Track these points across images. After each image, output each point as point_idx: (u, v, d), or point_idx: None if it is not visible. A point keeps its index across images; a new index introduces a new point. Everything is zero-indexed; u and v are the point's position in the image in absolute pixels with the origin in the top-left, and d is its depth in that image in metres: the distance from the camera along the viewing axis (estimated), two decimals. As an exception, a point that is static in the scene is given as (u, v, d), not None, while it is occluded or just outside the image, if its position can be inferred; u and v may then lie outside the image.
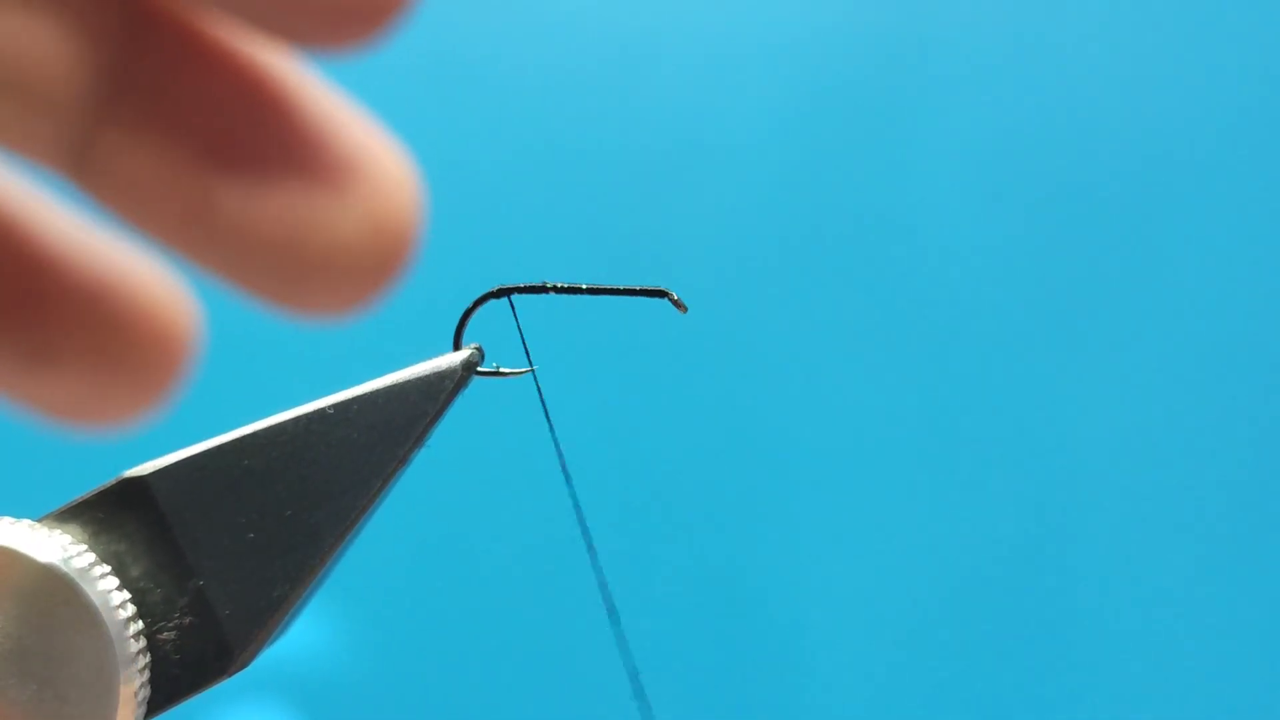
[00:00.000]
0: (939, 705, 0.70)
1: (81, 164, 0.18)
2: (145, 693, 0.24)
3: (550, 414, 0.31)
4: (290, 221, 0.18)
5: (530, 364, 0.29)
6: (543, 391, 0.30)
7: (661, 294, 0.29)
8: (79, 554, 0.23)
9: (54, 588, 0.23)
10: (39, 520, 0.24)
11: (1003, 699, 0.71)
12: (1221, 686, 0.70)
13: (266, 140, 0.18)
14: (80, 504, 0.24)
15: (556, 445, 0.31)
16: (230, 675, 0.25)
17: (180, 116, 0.18)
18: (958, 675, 0.70)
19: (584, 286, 0.30)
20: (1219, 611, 0.71)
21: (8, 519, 0.24)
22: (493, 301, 0.30)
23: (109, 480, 0.25)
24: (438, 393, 0.26)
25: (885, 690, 0.70)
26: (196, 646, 0.25)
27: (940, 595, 0.71)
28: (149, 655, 0.24)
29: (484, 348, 0.29)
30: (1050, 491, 0.72)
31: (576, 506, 0.31)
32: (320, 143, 0.18)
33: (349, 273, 0.19)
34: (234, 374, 0.59)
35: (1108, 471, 0.72)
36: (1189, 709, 0.71)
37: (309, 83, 0.19)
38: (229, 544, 0.25)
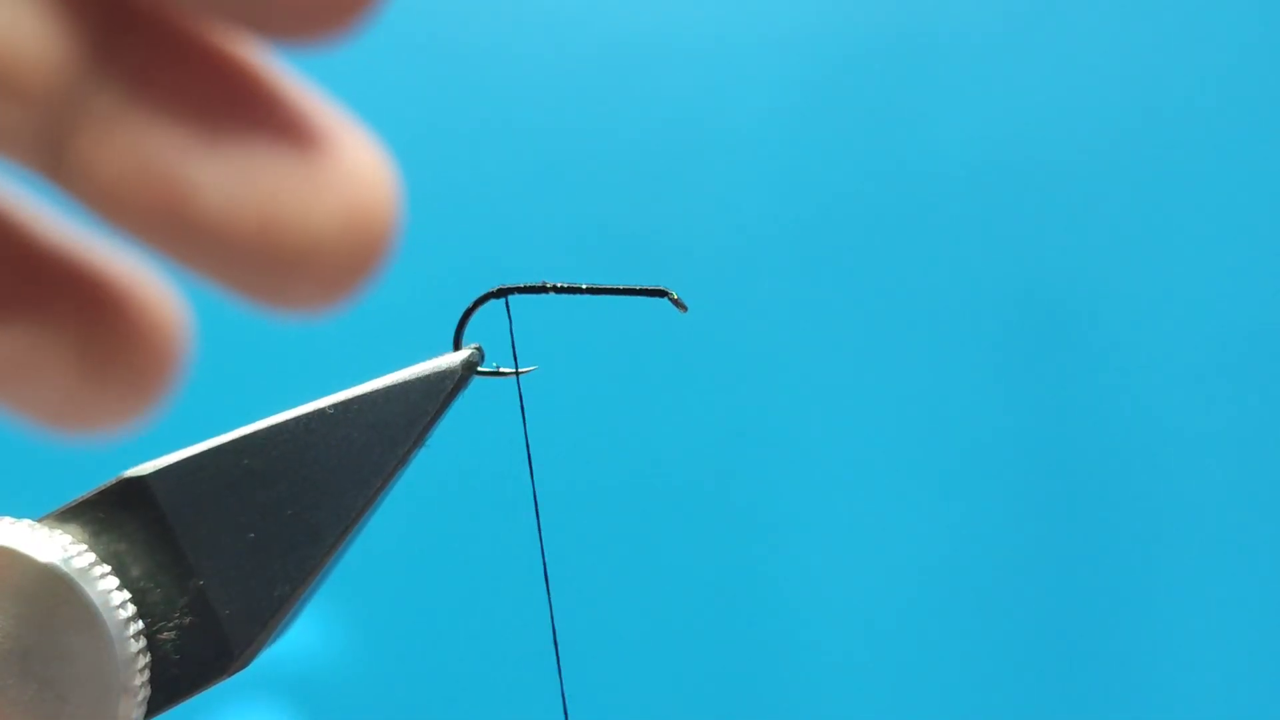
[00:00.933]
0: (941, 706, 0.70)
1: (60, 161, 0.18)
2: (145, 692, 0.24)
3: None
4: (264, 211, 0.18)
5: (516, 366, 0.29)
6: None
7: (661, 294, 0.29)
8: (79, 554, 0.23)
9: (54, 588, 0.23)
10: (39, 520, 0.24)
11: (1004, 699, 0.71)
12: (1249, 700, 0.70)
13: (240, 126, 0.18)
14: (80, 504, 0.24)
15: (528, 449, 0.31)
16: (230, 675, 0.25)
17: (157, 108, 0.18)
18: (959, 676, 0.70)
19: (584, 286, 0.29)
20: (1230, 618, 0.71)
21: (8, 519, 0.24)
22: (493, 301, 0.30)
23: (109, 480, 0.25)
24: (438, 393, 0.26)
25: (887, 692, 0.70)
26: (197, 646, 0.25)
27: (942, 596, 0.71)
28: (149, 655, 0.24)
29: (484, 348, 0.29)
30: (1055, 492, 0.72)
31: (536, 510, 0.32)
32: (293, 128, 0.19)
33: (324, 265, 0.19)
34: (233, 374, 0.59)
35: (1116, 474, 0.72)
36: (1198, 711, 0.71)
37: (283, 74, 0.19)
38: (230, 544, 0.25)
